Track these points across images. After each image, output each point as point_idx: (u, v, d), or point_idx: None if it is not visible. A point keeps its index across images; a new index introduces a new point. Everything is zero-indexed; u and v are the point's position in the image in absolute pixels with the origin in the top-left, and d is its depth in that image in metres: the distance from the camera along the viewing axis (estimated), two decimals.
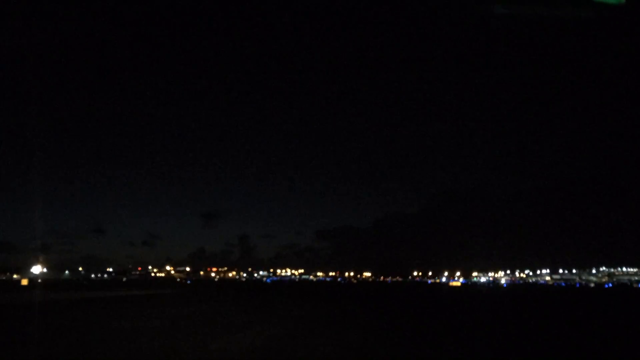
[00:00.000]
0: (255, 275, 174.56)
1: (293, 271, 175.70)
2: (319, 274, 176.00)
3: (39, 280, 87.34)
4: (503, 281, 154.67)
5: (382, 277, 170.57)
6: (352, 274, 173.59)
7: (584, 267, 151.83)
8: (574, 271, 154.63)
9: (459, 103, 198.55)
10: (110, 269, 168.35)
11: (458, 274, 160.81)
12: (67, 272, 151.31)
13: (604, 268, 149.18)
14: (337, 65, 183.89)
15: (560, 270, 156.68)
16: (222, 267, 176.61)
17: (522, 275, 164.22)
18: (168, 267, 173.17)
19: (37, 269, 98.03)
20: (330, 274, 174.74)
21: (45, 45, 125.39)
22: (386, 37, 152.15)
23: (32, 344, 12.48)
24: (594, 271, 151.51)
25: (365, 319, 21.71)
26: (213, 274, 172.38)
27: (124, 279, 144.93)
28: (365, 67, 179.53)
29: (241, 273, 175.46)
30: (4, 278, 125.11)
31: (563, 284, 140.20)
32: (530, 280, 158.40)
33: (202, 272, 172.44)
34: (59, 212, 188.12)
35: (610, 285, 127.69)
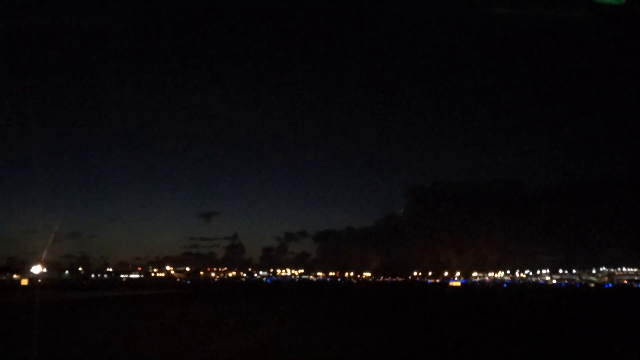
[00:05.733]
0: (255, 275, 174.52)
1: (293, 271, 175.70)
2: (319, 274, 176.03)
3: (39, 280, 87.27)
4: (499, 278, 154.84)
5: (382, 277, 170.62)
6: (352, 274, 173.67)
7: (584, 267, 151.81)
8: (574, 271, 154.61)
9: (458, 103, 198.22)
10: (110, 269, 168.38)
11: (458, 274, 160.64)
12: (66, 272, 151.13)
13: (604, 268, 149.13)
14: (334, 66, 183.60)
15: (560, 270, 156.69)
16: (222, 267, 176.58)
17: (522, 275, 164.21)
18: (168, 267, 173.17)
19: (37, 269, 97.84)
20: (330, 274, 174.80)
21: (44, 40, 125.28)
22: (385, 37, 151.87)
23: (41, 344, 12.45)
24: (594, 271, 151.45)
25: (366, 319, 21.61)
26: (213, 274, 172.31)
27: (124, 279, 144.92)
28: (364, 67, 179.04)
29: (241, 273, 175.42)
30: (4, 278, 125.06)
31: (563, 284, 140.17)
32: (531, 280, 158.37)
33: (202, 272, 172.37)
34: (56, 211, 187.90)
35: (610, 285, 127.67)
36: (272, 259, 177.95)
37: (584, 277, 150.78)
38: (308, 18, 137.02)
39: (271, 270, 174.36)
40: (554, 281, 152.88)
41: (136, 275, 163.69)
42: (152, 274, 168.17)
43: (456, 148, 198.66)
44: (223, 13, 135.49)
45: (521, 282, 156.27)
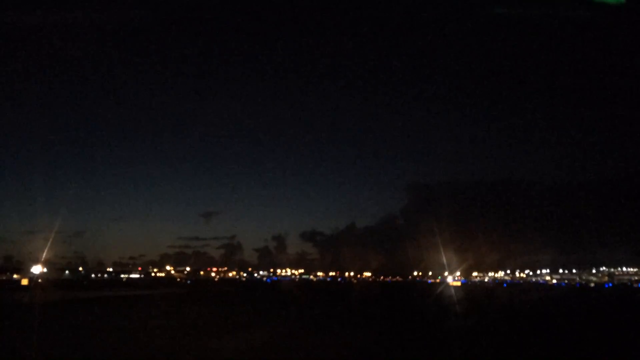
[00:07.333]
0: (255, 275, 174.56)
1: (293, 271, 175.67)
2: (319, 273, 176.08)
3: (39, 280, 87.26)
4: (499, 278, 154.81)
5: (382, 277, 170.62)
6: (352, 274, 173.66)
7: (584, 267, 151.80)
8: (574, 271, 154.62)
9: (458, 102, 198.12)
10: (110, 269, 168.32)
11: (458, 273, 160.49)
12: (67, 272, 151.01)
13: (604, 268, 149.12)
14: (332, 66, 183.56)
15: (560, 270, 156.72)
16: (222, 267, 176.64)
17: (522, 275, 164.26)
18: (168, 267, 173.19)
19: (37, 269, 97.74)
20: (331, 273, 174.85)
21: (43, 38, 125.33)
22: (386, 35, 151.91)
23: (43, 344, 12.50)
24: (594, 271, 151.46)
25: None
26: (213, 274, 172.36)
27: (124, 279, 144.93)
28: (362, 66, 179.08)
29: (241, 273, 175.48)
30: (3, 278, 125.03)
31: (563, 284, 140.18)
32: (531, 280, 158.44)
33: (202, 272, 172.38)
34: (56, 211, 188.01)
35: (611, 285, 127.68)
36: (271, 258, 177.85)
37: (584, 277, 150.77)
38: (307, 17, 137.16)
39: (271, 270, 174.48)
40: (554, 281, 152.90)
41: (136, 275, 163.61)
42: (153, 274, 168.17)
43: (455, 148, 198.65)
44: (222, 14, 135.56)
45: (521, 282, 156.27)
